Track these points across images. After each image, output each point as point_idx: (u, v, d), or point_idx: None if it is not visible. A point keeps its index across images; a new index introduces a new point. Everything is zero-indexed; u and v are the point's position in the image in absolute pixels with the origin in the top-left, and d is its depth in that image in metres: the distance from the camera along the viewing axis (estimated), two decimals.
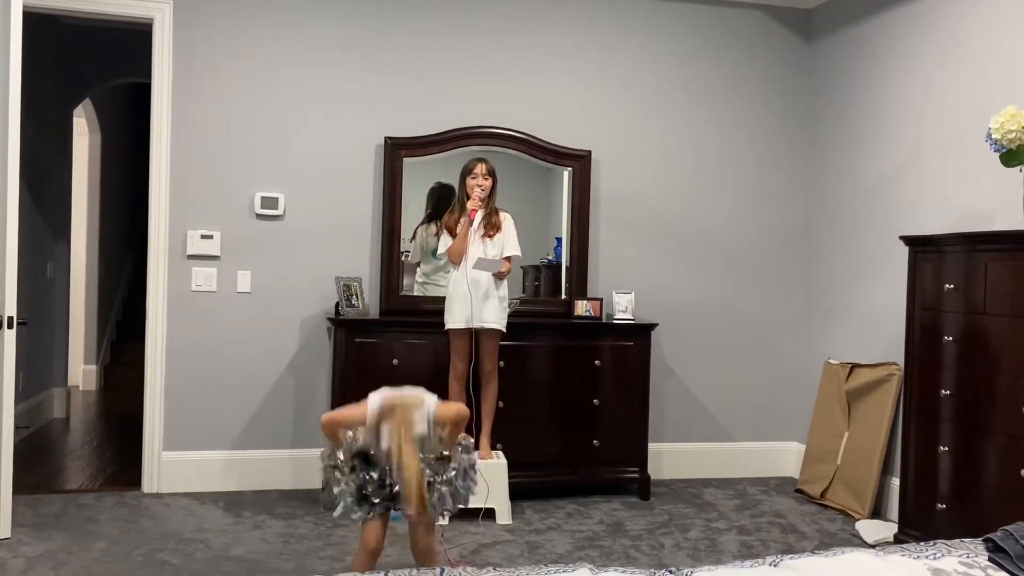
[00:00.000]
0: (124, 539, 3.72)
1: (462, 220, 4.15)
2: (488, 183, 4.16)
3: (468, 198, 4.16)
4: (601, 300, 4.74)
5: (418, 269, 4.77)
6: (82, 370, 7.51)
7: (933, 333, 3.64)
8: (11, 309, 3.61)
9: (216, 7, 4.50)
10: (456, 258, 4.13)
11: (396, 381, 3.99)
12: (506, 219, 4.23)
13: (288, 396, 4.62)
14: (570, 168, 4.87)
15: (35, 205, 5.55)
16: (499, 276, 4.13)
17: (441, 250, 4.27)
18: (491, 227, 4.17)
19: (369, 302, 4.59)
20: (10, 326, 3.60)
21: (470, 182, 4.16)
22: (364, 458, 2.85)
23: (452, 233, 4.21)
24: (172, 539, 3.75)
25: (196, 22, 4.47)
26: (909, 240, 3.80)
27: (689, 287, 5.08)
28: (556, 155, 4.84)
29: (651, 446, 4.69)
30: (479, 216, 4.12)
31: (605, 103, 4.97)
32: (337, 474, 2.86)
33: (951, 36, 4.14)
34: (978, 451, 3.39)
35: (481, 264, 4.05)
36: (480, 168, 4.18)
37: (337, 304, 4.45)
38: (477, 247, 4.12)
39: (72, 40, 6.03)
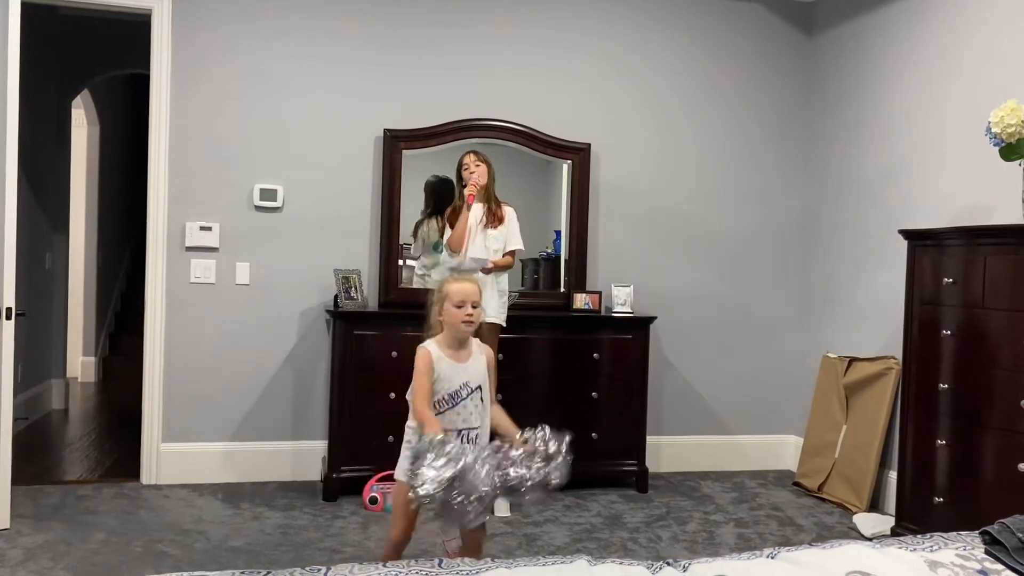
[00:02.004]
0: (123, 530, 3.73)
1: (463, 211, 4.16)
2: (481, 168, 4.16)
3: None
4: (600, 293, 4.74)
5: (417, 261, 4.77)
6: (81, 361, 7.51)
7: (931, 327, 3.64)
8: (9, 300, 3.61)
9: None
10: (456, 245, 4.13)
11: (395, 374, 4.07)
12: (509, 212, 4.23)
13: (287, 388, 4.62)
14: (569, 161, 4.86)
15: (34, 197, 5.54)
16: (503, 268, 4.13)
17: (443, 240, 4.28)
18: (494, 219, 4.17)
19: (368, 294, 4.59)
20: (8, 317, 3.60)
21: (464, 174, 4.18)
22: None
23: (454, 227, 4.21)
24: (171, 530, 3.75)
25: (195, 13, 4.46)
26: (908, 234, 3.80)
27: (688, 281, 5.08)
28: (555, 148, 4.83)
29: (649, 439, 4.70)
30: (478, 206, 4.12)
31: (605, 96, 4.96)
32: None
33: (952, 30, 4.13)
34: (976, 445, 3.40)
35: (469, 263, 4.04)
36: (469, 158, 4.19)
37: (336, 296, 4.45)
38: (479, 238, 4.12)
39: (71, 31, 6.01)
